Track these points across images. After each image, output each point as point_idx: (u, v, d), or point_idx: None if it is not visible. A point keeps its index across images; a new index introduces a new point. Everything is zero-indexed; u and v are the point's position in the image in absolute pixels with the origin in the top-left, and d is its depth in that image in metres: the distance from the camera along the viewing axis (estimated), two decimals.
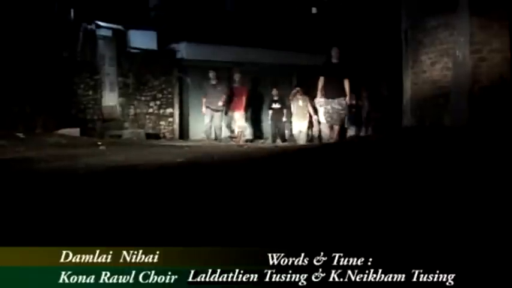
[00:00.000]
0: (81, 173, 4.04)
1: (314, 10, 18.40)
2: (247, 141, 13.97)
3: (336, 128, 10.61)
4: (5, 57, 9.54)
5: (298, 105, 14.32)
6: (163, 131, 14.43)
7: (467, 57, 7.61)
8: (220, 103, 13.06)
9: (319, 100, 10.21)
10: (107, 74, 13.38)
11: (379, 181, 2.95)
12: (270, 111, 15.22)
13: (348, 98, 10.43)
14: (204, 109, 13.17)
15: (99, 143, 6.69)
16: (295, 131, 14.59)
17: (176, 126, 14.68)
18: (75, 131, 10.49)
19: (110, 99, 13.45)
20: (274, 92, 15.05)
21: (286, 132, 15.36)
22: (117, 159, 5.16)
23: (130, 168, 4.16)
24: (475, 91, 7.53)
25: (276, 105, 15.08)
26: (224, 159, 4.58)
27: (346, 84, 10.29)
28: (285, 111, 15.08)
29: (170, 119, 14.62)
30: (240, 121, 13.91)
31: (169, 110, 14.57)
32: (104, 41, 13.33)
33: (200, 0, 15.64)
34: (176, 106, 14.66)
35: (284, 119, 15.21)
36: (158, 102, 14.41)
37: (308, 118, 14.47)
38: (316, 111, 13.88)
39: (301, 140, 14.24)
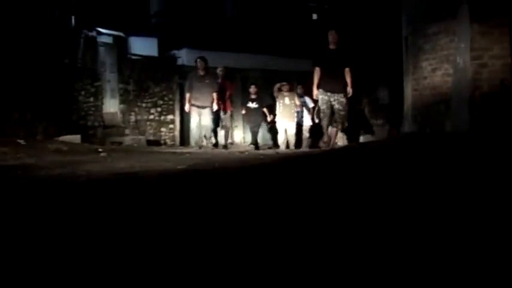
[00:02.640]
0: (82, 180, 4.03)
1: (315, 16, 18.45)
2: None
3: (333, 131, 9.38)
4: (5, 64, 9.55)
5: (285, 104, 12.69)
6: (164, 138, 14.45)
7: (468, 63, 7.63)
8: (210, 101, 11.15)
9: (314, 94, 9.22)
10: (108, 80, 13.42)
11: (382, 189, 2.94)
12: (243, 111, 13.68)
13: (350, 90, 9.09)
14: (187, 107, 11.36)
15: (100, 150, 6.71)
16: (280, 133, 12.84)
17: (177, 132, 14.71)
18: (75, 138, 10.49)
19: (111, 105, 13.48)
20: (252, 89, 13.39)
21: (260, 134, 13.80)
22: (117, 166, 5.16)
23: (131, 176, 4.15)
24: (475, 97, 7.54)
25: (252, 104, 13.31)
26: (225, 166, 4.57)
27: (348, 74, 9.17)
28: (265, 110, 13.30)
29: (171, 126, 14.65)
30: (226, 121, 12.75)
31: (170, 117, 14.61)
32: (104, 48, 13.38)
33: (201, 7, 15.71)
34: (177, 113, 14.69)
35: (266, 120, 13.44)
36: (159, 109, 14.44)
37: (296, 118, 12.95)
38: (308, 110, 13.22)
39: (289, 143, 12.64)
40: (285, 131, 12.81)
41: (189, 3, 15.51)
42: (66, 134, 10.47)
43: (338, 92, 9.11)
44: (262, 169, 4.27)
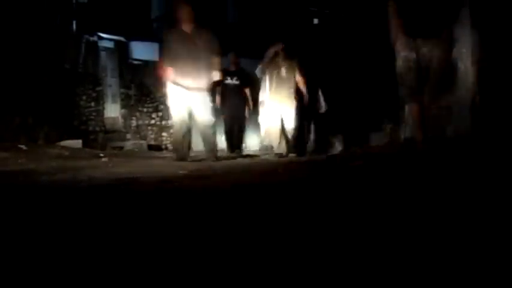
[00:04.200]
0: (83, 185, 4.02)
1: (316, 21, 18.47)
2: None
3: None
4: (6, 68, 9.56)
5: (280, 76, 8.74)
6: (166, 143, 14.45)
7: (469, 68, 7.63)
8: (206, 80, 7.32)
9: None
10: (109, 85, 13.46)
11: (392, 196, 2.93)
12: (218, 89, 9.67)
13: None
14: (168, 86, 7.44)
15: (101, 155, 6.71)
16: (271, 124, 8.74)
17: None
18: (77, 143, 10.51)
19: (112, 110, 13.51)
20: (232, 58, 10.18)
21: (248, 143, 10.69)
22: (118, 172, 5.16)
23: (132, 181, 4.15)
24: (476, 102, 7.54)
25: (231, 81, 9.89)
26: (227, 171, 4.57)
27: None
28: (247, 91, 10.01)
29: (172, 131, 14.64)
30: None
31: (171, 122, 14.60)
32: (106, 53, 13.42)
33: (202, 12, 15.72)
34: None
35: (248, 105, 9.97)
36: (160, 114, 14.46)
37: (296, 102, 8.91)
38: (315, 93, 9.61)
39: (275, 141, 8.75)
40: (281, 121, 8.86)
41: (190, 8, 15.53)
42: (67, 139, 10.48)
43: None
44: (264, 175, 4.26)
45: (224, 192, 3.35)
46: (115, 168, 5.76)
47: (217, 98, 9.95)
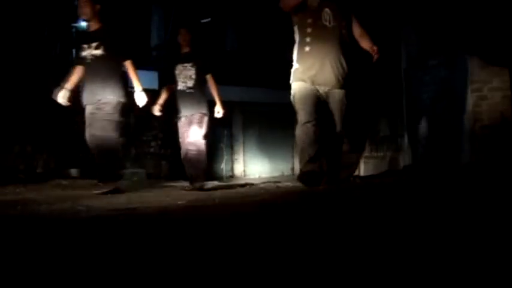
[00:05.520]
0: (82, 216, 4.00)
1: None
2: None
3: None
4: (6, 97, 9.58)
5: (323, 26, 5.27)
6: (164, 171, 14.40)
7: (468, 95, 7.66)
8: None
9: None
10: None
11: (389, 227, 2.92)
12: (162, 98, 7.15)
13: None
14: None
15: (100, 184, 6.67)
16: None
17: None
18: (75, 171, 10.48)
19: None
20: (182, 35, 7.32)
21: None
22: (117, 202, 5.13)
23: (130, 212, 4.12)
24: (476, 129, 7.56)
25: (183, 83, 7.10)
26: (226, 202, 4.55)
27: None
28: (211, 80, 6.94)
29: (171, 159, 14.61)
30: None
31: (170, 150, 14.58)
32: None
33: (201, 40, 15.79)
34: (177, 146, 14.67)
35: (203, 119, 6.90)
36: (159, 142, 14.41)
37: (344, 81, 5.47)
38: None
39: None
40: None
41: None
42: (66, 167, 10.46)
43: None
44: (263, 205, 4.24)
45: (223, 222, 3.32)
46: (113, 198, 5.74)
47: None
